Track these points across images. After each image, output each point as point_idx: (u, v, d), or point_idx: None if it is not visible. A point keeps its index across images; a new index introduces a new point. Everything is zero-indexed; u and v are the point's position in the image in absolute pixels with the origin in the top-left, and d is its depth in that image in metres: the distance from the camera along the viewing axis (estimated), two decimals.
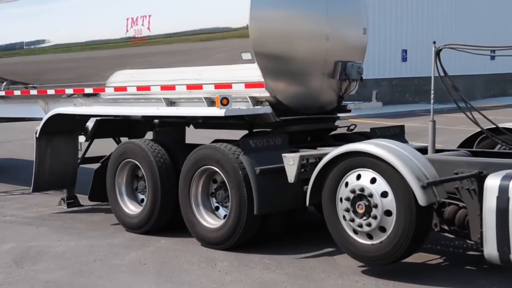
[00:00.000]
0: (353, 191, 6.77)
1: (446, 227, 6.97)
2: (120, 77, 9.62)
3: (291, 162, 7.42)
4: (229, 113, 8.08)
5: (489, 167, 6.49)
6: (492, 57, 32.15)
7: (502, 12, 37.92)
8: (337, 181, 6.97)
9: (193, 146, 8.64)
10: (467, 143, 8.48)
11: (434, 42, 7.45)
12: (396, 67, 31.21)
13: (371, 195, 6.62)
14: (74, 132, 10.40)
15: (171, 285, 6.86)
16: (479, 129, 8.14)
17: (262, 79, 8.06)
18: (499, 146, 8.11)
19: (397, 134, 9.24)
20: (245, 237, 7.81)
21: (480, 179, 6.38)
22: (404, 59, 32.20)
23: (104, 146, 11.15)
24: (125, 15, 9.30)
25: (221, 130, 9.78)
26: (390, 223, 6.53)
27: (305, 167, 7.46)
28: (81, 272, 7.29)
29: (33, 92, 10.91)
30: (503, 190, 5.80)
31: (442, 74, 7.57)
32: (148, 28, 9.02)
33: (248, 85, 8.23)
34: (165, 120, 10.08)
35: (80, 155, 10.65)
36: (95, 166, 11.47)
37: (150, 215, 8.62)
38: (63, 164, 10.42)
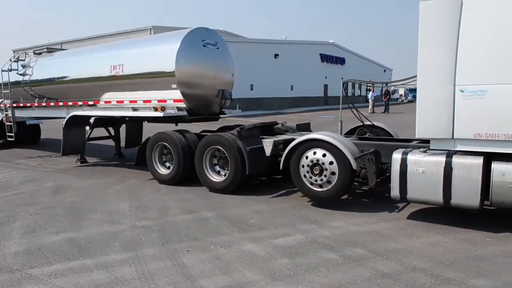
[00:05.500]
0: (311, 161, 6.33)
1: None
2: (107, 95, 9.36)
3: (268, 144, 7.07)
4: (165, 115, 8.16)
5: (379, 147, 6.36)
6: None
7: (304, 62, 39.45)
8: (300, 155, 6.46)
9: (198, 134, 8.18)
10: (349, 132, 8.01)
11: (342, 78, 7.31)
12: (248, 92, 31.84)
13: (323, 163, 6.23)
14: (83, 124, 10.13)
15: (136, 202, 6.82)
16: (359, 124, 7.79)
17: (182, 98, 8.08)
18: (368, 134, 7.72)
19: (308, 127, 8.84)
20: (237, 186, 7.21)
21: (375, 153, 6.23)
22: (252, 88, 32.98)
23: (99, 132, 10.89)
24: (110, 63, 9.11)
25: (161, 123, 9.48)
26: (334, 179, 6.19)
27: (276, 146, 7.07)
28: (90, 197, 7.20)
29: (61, 103, 10.52)
30: (403, 160, 5.47)
31: (344, 95, 7.43)
32: (122, 71, 8.88)
33: (175, 100, 8.16)
34: (132, 118, 9.96)
35: (86, 136, 10.32)
36: (96, 142, 11.39)
37: (175, 175, 7.87)
38: (78, 141, 10.13)
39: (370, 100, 31.36)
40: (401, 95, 68.38)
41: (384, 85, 40.63)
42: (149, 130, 10.57)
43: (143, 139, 10.85)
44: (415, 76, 5.58)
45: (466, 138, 5.11)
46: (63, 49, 12.88)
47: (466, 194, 5.06)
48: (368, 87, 35.60)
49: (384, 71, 55.89)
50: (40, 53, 11.69)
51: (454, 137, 5.18)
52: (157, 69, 8.33)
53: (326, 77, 42.97)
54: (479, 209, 5.17)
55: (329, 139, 6.24)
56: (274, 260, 4.47)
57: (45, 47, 12.13)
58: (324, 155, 6.26)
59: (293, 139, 6.79)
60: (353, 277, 4.10)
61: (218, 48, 8.64)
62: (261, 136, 7.45)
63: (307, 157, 6.40)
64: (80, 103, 9.95)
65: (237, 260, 4.46)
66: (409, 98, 63.76)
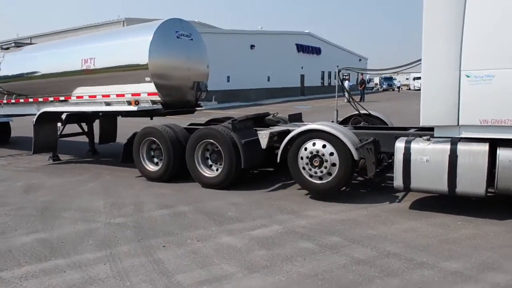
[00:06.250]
0: (311, 153, 6.06)
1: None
2: (79, 90, 9.09)
3: (264, 136, 6.76)
4: (139, 109, 8.05)
5: (378, 136, 6.13)
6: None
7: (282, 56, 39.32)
8: (298, 146, 6.17)
9: (189, 128, 7.83)
10: (343, 122, 7.69)
11: (338, 66, 7.03)
12: (224, 84, 31.53)
13: (323, 154, 5.97)
14: (55, 121, 9.85)
15: (111, 198, 6.68)
16: (353, 113, 7.59)
17: (156, 91, 7.95)
18: (363, 123, 7.47)
19: (299, 117, 8.58)
20: (231, 182, 6.90)
21: (374, 142, 5.94)
22: (228, 80, 32.69)
23: (72, 128, 10.60)
24: (81, 57, 8.83)
25: (136, 118, 9.32)
26: (335, 170, 5.94)
27: (271, 138, 6.80)
28: (63, 195, 6.99)
29: (31, 100, 10.19)
30: (406, 149, 5.31)
31: (340, 84, 7.49)
32: (94, 64, 8.65)
33: (149, 94, 8.01)
34: (105, 113, 9.76)
35: (58, 133, 10.00)
36: (69, 139, 11.08)
37: (165, 171, 7.50)
38: (50, 138, 9.80)
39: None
40: (376, 84, 69.26)
41: (360, 73, 40.97)
42: (124, 126, 10.40)
43: (118, 135, 10.70)
44: (419, 61, 5.39)
45: (472, 124, 4.97)
46: (32, 43, 12.52)
47: (471, 181, 4.96)
48: (345, 77, 35.80)
49: (360, 60, 56.41)
50: (7, 48, 11.34)
51: (460, 123, 5.04)
52: (129, 62, 8.15)
53: (302, 67, 43.10)
54: (484, 197, 5.09)
55: (330, 129, 6.00)
56: (251, 252, 4.44)
57: (13, 41, 11.75)
58: (324, 146, 6.02)
59: (288, 131, 6.60)
60: (329, 265, 4.11)
61: (192, 39, 8.52)
62: (255, 128, 7.18)
63: (306, 149, 6.14)
64: (51, 98, 9.65)
65: (214, 254, 4.41)
66: (384, 87, 64.74)
